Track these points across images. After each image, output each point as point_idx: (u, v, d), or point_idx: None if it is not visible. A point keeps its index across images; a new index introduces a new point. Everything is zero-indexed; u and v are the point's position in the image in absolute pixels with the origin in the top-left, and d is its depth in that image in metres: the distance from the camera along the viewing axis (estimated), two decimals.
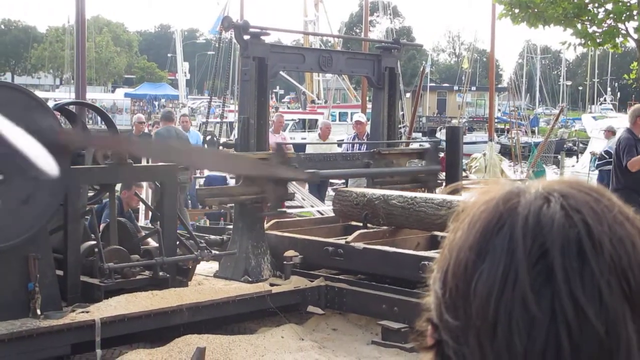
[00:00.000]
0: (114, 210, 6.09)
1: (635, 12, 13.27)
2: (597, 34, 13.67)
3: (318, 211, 10.05)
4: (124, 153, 5.73)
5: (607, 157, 17.27)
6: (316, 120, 32.65)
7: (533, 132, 47.19)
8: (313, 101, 42.28)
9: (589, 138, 30.22)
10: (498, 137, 43.49)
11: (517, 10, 13.46)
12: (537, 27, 13.75)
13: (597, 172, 17.53)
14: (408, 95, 43.74)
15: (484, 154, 23.45)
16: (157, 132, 12.79)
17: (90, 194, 6.59)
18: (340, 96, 50.50)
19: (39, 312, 5.16)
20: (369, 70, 8.23)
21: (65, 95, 43.92)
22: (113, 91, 71.29)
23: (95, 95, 56.30)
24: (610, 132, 18.13)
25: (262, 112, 7.10)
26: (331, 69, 8.05)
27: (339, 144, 14.59)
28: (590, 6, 13.47)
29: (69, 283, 5.56)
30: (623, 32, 13.61)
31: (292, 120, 40.99)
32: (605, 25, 13.57)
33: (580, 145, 41.04)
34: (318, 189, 12.65)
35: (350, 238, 6.80)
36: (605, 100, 72.46)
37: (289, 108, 49.76)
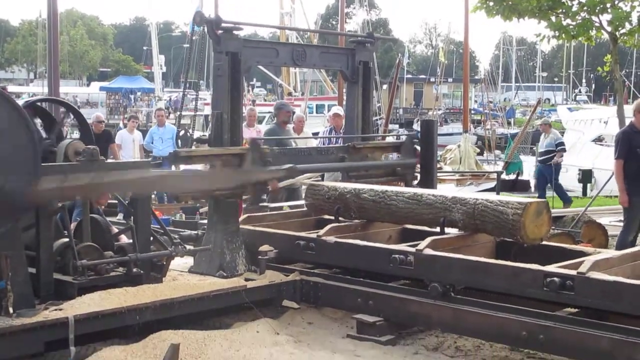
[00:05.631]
0: (87, 207, 6.05)
1: (608, 5, 13.37)
2: (571, 26, 13.78)
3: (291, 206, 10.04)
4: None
5: (547, 154, 17.58)
6: (293, 113, 32.61)
7: (509, 123, 47.49)
8: (290, 93, 42.26)
9: (564, 129, 30.43)
10: (475, 128, 43.72)
11: (491, 3, 13.53)
12: (511, 19, 13.85)
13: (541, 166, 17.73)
14: (385, 87, 43.84)
15: (459, 146, 23.59)
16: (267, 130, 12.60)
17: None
18: (317, 88, 50.55)
19: (11, 310, 5.12)
20: (342, 65, 8.23)
21: (39, 89, 43.60)
22: (88, 85, 70.81)
23: (70, 89, 55.93)
24: (547, 126, 18.32)
25: (236, 107, 7.09)
26: (305, 63, 8.04)
27: (315, 137, 14.58)
28: None
29: (42, 281, 5.52)
30: (597, 24, 13.73)
31: (269, 112, 40.89)
32: (579, 18, 13.69)
33: None
34: None
35: (321, 232, 6.80)
36: (580, 91, 72.89)
37: (265, 100, 49.71)
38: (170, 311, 5.74)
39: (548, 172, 17.14)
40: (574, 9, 13.68)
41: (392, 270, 6.18)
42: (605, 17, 13.56)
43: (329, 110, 20.25)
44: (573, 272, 5.29)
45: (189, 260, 7.21)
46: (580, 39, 14.27)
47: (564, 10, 13.76)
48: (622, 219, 9.58)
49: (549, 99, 62.90)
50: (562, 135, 21.43)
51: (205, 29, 7.03)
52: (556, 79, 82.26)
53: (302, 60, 7.84)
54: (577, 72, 77.00)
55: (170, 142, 14.62)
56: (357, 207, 7.13)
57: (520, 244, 6.19)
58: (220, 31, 6.98)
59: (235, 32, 7.11)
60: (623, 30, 13.54)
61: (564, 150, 17.73)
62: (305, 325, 6.39)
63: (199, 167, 7.16)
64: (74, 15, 75.98)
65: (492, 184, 18.62)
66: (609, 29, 13.56)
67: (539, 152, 18.67)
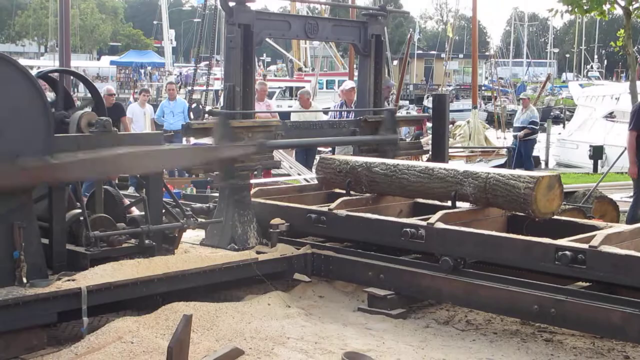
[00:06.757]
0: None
1: None
2: (584, 1, 13.65)
3: (305, 179, 10.04)
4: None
5: (520, 130, 17.69)
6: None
7: (519, 100, 47.20)
8: (300, 69, 42.14)
9: (575, 105, 30.25)
10: (485, 104, 43.55)
11: None
12: None
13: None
14: (395, 62, 43.59)
15: (468, 122, 23.46)
16: None
17: None
18: (328, 64, 50.33)
19: (25, 280, 5.15)
20: (355, 38, 8.18)
21: (49, 63, 43.52)
22: (98, 59, 70.77)
23: (80, 63, 55.93)
24: (526, 100, 18.36)
25: (248, 79, 7.06)
26: (317, 36, 7.99)
27: (325, 112, 14.58)
28: None
29: (55, 251, 5.54)
30: None
31: (279, 87, 40.82)
32: None
33: (567, 112, 41.12)
34: (305, 157, 12.67)
35: (333, 205, 6.80)
36: (592, 67, 72.39)
37: (275, 76, 49.59)
38: (181, 283, 5.76)
39: (520, 147, 17.40)
40: None
41: (403, 243, 6.19)
42: None
43: (339, 86, 20.16)
44: (585, 246, 5.28)
45: (200, 233, 7.23)
46: (593, 13, 14.14)
47: None
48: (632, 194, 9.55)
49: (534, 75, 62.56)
50: (573, 112, 21.34)
51: (218, 1, 6.99)
52: (568, 55, 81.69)
53: (314, 32, 7.78)
54: (588, 49, 76.43)
55: (181, 116, 14.63)
56: (368, 180, 7.12)
57: (531, 218, 6.18)
58: (232, 3, 6.95)
59: (247, 4, 7.08)
60: (637, 5, 13.42)
61: (533, 130, 17.85)
62: (316, 299, 6.42)
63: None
64: None
65: (502, 161, 18.60)
66: (622, 3, 13.44)
67: (514, 127, 18.90)
